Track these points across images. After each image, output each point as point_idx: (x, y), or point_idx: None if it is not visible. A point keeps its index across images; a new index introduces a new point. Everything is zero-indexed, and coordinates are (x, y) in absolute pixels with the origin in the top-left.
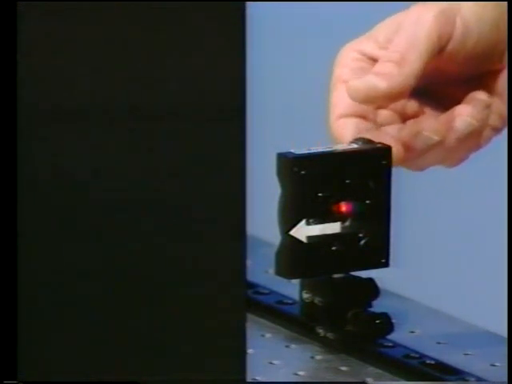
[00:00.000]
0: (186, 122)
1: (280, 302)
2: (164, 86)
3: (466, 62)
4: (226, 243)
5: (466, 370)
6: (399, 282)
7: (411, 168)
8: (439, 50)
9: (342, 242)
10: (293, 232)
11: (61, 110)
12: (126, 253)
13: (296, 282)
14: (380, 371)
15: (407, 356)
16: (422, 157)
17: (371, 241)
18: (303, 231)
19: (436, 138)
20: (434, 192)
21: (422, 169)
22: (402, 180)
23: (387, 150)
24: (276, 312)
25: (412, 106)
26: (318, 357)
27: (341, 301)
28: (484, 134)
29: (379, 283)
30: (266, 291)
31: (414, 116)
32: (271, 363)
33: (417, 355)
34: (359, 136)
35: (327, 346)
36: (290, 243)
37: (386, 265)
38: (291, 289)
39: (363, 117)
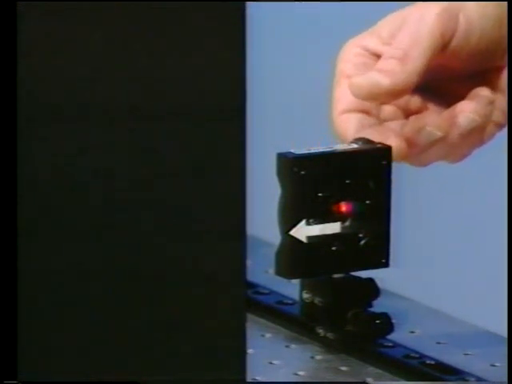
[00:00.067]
0: (186, 122)
1: (280, 302)
2: (164, 85)
3: (469, 59)
4: (226, 243)
5: (466, 370)
6: (399, 282)
7: (414, 164)
8: (442, 47)
9: (342, 241)
10: (293, 232)
11: (61, 109)
12: (125, 253)
13: (296, 282)
14: (380, 371)
15: (407, 356)
16: (424, 152)
17: (371, 241)
18: (303, 231)
19: (439, 133)
20: (433, 192)
21: (424, 164)
22: (402, 180)
23: (387, 150)
24: (276, 312)
25: (415, 101)
26: (318, 357)
27: (341, 301)
28: (487, 129)
29: (379, 283)
30: (266, 291)
31: (418, 112)
32: (271, 363)
33: (417, 355)
34: (359, 136)
35: (327, 345)
36: (290, 243)
37: (386, 265)
38: (291, 289)
39: (366, 112)
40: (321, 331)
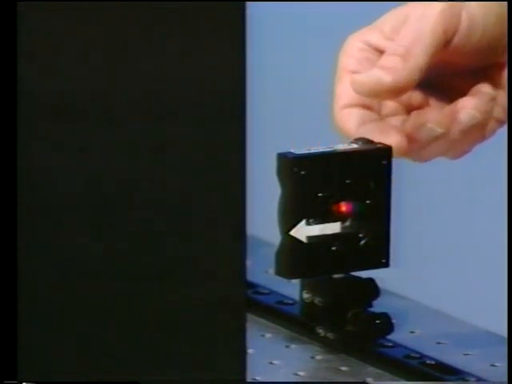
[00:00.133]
0: (186, 122)
1: (280, 302)
2: (164, 85)
3: (471, 55)
4: (226, 243)
5: (466, 370)
6: (399, 282)
7: (415, 159)
8: (445, 44)
9: (342, 241)
10: (293, 232)
11: (61, 109)
12: (125, 253)
13: (296, 282)
14: (380, 371)
15: (407, 356)
16: (425, 148)
17: (371, 241)
18: (303, 231)
19: (440, 129)
20: (434, 192)
21: (425, 160)
22: (402, 180)
23: (387, 150)
24: (276, 312)
25: (417, 97)
26: (318, 357)
27: (341, 301)
28: (488, 126)
29: (379, 283)
30: (266, 291)
31: (419, 107)
32: (271, 363)
33: (417, 355)
34: (360, 131)
35: (327, 345)
36: (290, 243)
37: (386, 265)
38: (291, 289)
39: (368, 107)
40: (321, 331)
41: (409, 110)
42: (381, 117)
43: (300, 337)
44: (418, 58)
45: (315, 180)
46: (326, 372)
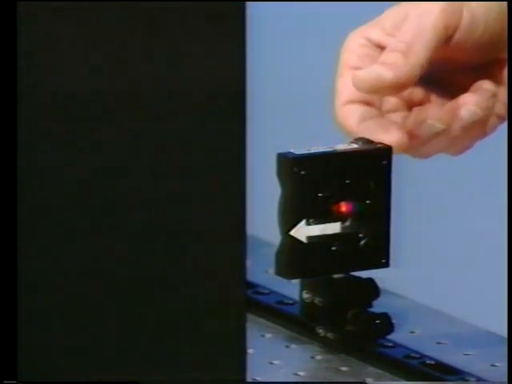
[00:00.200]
0: (186, 122)
1: (280, 302)
2: (164, 86)
3: (473, 51)
4: (226, 243)
5: (466, 370)
6: (399, 282)
7: (415, 155)
8: (446, 40)
9: (342, 241)
10: (293, 232)
11: (61, 109)
12: (125, 253)
13: (296, 282)
14: (380, 371)
15: (407, 356)
16: (426, 145)
17: (371, 241)
18: (303, 231)
19: (440, 126)
20: (434, 192)
21: (426, 157)
22: (402, 180)
23: (387, 150)
24: (276, 312)
25: (418, 93)
26: (318, 357)
27: (341, 301)
28: (489, 122)
29: (379, 283)
30: (266, 291)
31: (420, 103)
32: (271, 363)
33: (417, 355)
34: (360, 132)
35: (327, 346)
36: (290, 243)
37: (386, 265)
38: (291, 289)
39: (369, 103)
40: (321, 331)
41: (410, 106)
42: (382, 113)
43: (300, 337)
44: (419, 54)
45: (315, 180)
46: (326, 372)
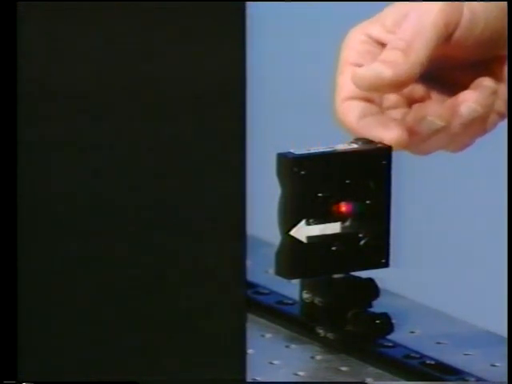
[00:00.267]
0: (186, 122)
1: (280, 302)
2: (164, 85)
3: (473, 49)
4: (226, 243)
5: (466, 370)
6: (399, 282)
7: (415, 152)
8: (446, 38)
9: (342, 241)
10: (293, 232)
11: (61, 109)
12: (125, 253)
13: (296, 282)
14: (380, 371)
15: (407, 356)
16: (426, 141)
17: (371, 241)
18: (303, 231)
19: (440, 123)
20: (434, 192)
21: (426, 153)
22: (402, 180)
23: (387, 150)
24: (276, 312)
25: (418, 90)
26: (318, 357)
27: (341, 301)
28: (489, 119)
29: (379, 283)
30: (266, 291)
31: (421, 100)
32: (271, 363)
33: (417, 355)
34: (360, 129)
35: (327, 346)
36: (290, 243)
37: (386, 265)
38: (291, 289)
39: (369, 100)
40: (321, 331)
41: (410, 102)
42: (382, 110)
43: (300, 337)
44: (419, 52)
45: (315, 180)
46: (326, 372)
